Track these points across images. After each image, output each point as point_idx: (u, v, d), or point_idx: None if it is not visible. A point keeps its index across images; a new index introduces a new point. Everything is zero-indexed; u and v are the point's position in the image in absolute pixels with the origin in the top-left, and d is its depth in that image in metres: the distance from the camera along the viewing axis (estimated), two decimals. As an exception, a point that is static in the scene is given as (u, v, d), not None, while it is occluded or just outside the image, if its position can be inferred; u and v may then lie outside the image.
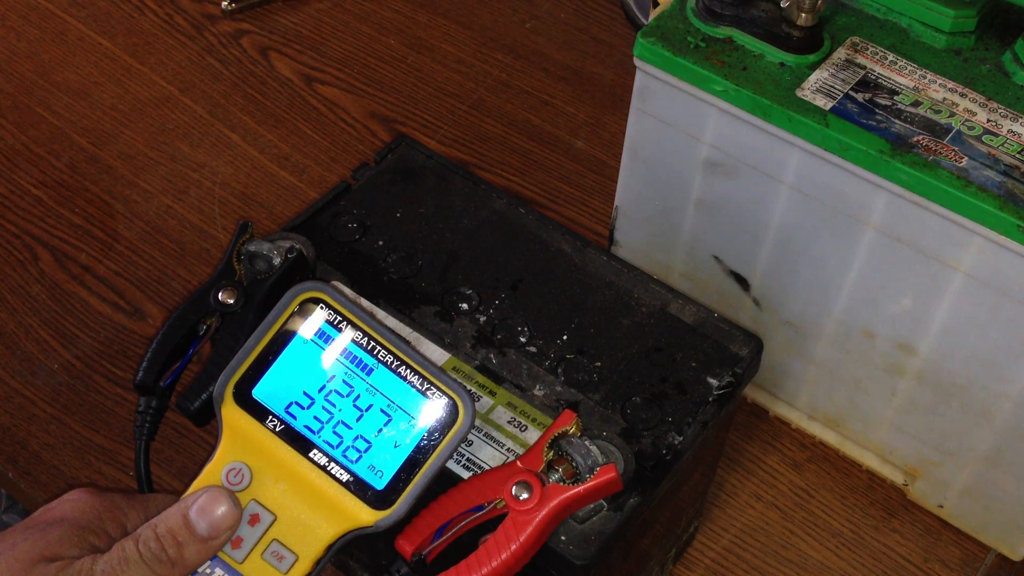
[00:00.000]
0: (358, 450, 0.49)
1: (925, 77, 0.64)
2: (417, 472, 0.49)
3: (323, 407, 0.49)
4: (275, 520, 0.49)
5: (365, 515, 0.48)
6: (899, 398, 0.70)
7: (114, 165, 0.92)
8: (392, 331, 0.50)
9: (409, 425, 0.49)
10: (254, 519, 0.48)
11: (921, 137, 0.61)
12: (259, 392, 0.50)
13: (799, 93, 0.63)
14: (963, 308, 0.63)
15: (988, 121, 0.62)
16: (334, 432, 0.49)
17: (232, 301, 0.55)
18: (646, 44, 0.65)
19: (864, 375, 0.71)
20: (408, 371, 0.49)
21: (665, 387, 0.57)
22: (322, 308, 0.50)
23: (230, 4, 1.03)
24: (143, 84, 0.98)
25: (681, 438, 0.55)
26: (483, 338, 0.58)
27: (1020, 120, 0.62)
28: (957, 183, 0.59)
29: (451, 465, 0.53)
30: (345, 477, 0.49)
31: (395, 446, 0.49)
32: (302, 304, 0.50)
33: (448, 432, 0.49)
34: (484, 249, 0.62)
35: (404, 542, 0.50)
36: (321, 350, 0.50)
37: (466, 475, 0.53)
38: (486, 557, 0.49)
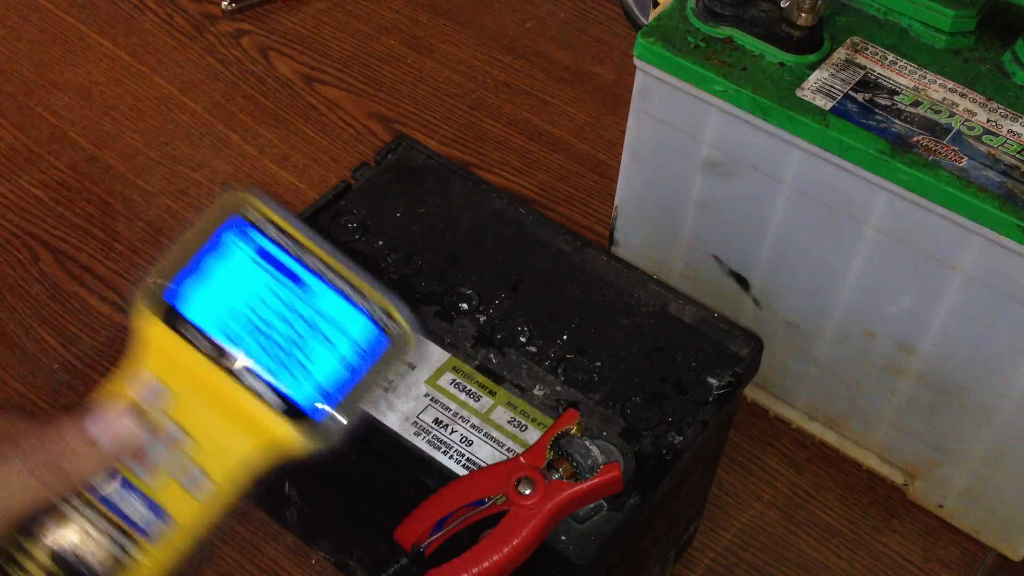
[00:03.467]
0: (289, 371, 0.44)
1: (925, 77, 0.64)
2: (352, 393, 0.44)
3: (247, 319, 0.44)
4: (190, 441, 0.44)
5: (292, 439, 0.43)
6: (899, 398, 0.70)
7: (114, 165, 0.92)
8: (324, 241, 0.45)
9: (347, 345, 0.44)
10: (167, 439, 0.44)
11: (921, 137, 0.61)
12: (182, 305, 0.44)
13: (799, 93, 0.63)
14: (963, 308, 0.63)
15: (988, 121, 0.62)
16: (264, 351, 0.44)
17: (232, 301, 0.55)
18: (646, 44, 0.65)
19: (864, 375, 0.71)
20: (342, 282, 0.44)
21: (665, 387, 0.57)
22: (250, 216, 0.45)
23: (230, 4, 1.03)
24: (143, 84, 0.98)
25: (681, 438, 0.55)
26: (483, 338, 0.58)
27: (1020, 120, 0.62)
28: (957, 183, 0.59)
29: (451, 465, 0.53)
30: (273, 399, 0.43)
31: (331, 369, 0.44)
32: (229, 213, 0.45)
33: (386, 350, 0.44)
34: (484, 249, 0.62)
35: (404, 533, 0.50)
36: (247, 260, 0.45)
37: (465, 474, 0.53)
38: (487, 551, 0.49)
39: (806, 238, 0.67)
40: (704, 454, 0.61)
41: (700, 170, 0.69)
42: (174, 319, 0.44)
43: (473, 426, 0.55)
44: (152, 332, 0.44)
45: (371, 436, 0.55)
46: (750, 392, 0.78)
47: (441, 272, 0.61)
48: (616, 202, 0.75)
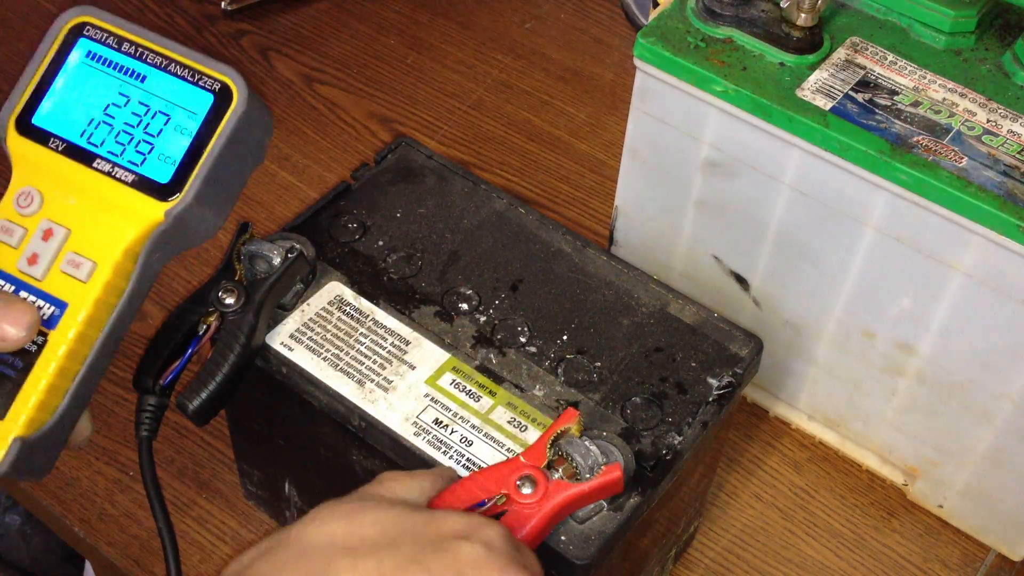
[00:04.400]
0: (141, 152, 0.49)
1: (925, 77, 0.64)
2: (200, 158, 0.49)
3: (103, 121, 0.50)
4: (69, 233, 0.49)
5: (153, 209, 0.49)
6: (899, 398, 0.70)
7: (114, 165, 0.92)
8: (160, 36, 0.50)
9: (188, 118, 0.49)
10: (47, 234, 0.49)
11: (921, 137, 0.61)
12: (39, 119, 0.50)
13: (799, 93, 0.63)
14: (963, 308, 0.63)
15: (988, 121, 0.62)
16: (116, 141, 0.50)
17: (232, 301, 0.55)
18: (646, 44, 0.65)
19: (864, 375, 0.71)
20: (179, 68, 0.50)
21: (665, 387, 0.57)
22: (89, 29, 0.51)
23: (230, 4, 1.03)
24: (143, 84, 0.98)
25: (681, 438, 0.55)
26: (483, 338, 0.58)
27: (1020, 120, 0.62)
28: (957, 183, 0.59)
29: (451, 465, 0.53)
30: (131, 178, 0.49)
31: (177, 141, 0.49)
32: (70, 31, 0.51)
33: (225, 114, 0.49)
34: (484, 249, 0.62)
35: None
36: (94, 69, 0.50)
37: (465, 474, 0.53)
38: None
39: (806, 238, 0.67)
40: (704, 454, 0.61)
41: (700, 170, 0.69)
42: (39, 134, 0.50)
43: (473, 426, 0.55)
44: (14, 147, 0.50)
45: (371, 436, 0.55)
46: (750, 392, 0.78)
47: (441, 272, 0.61)
48: (616, 202, 0.75)
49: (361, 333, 0.58)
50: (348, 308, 0.59)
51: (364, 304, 0.59)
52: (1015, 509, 0.69)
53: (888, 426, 0.72)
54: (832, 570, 0.72)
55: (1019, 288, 0.60)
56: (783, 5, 0.64)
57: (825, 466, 0.76)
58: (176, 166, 0.49)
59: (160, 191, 0.49)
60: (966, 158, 0.60)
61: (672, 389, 0.57)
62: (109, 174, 0.49)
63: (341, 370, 0.57)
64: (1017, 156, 0.60)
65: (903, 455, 0.73)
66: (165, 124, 0.49)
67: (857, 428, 0.74)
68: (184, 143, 0.49)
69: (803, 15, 0.64)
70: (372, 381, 0.56)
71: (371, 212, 0.64)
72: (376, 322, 0.58)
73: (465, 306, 0.60)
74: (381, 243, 0.62)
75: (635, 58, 0.66)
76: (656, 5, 0.69)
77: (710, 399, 0.57)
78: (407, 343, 0.58)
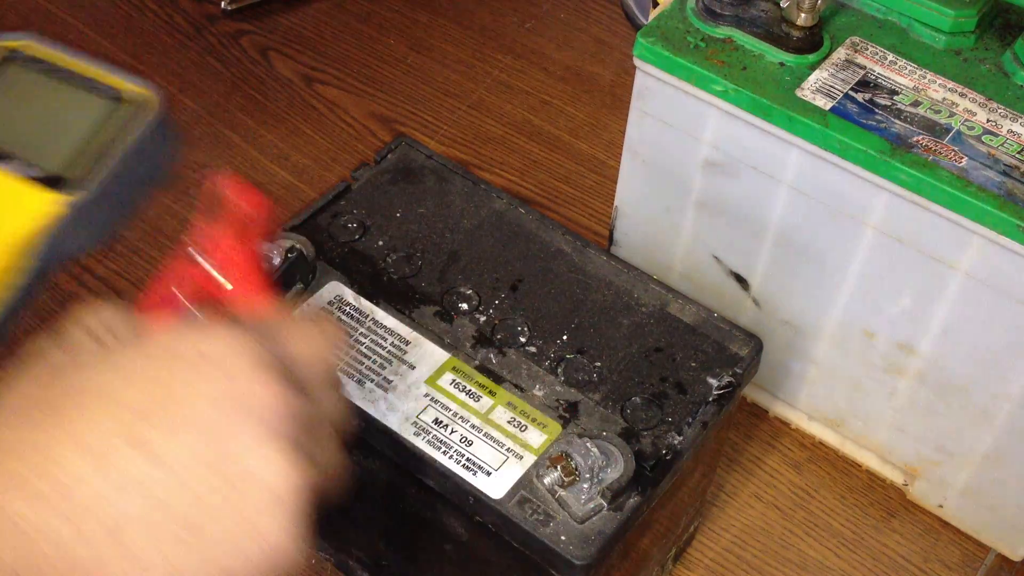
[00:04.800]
0: (46, 155, 0.51)
1: (925, 77, 0.64)
2: (99, 161, 0.51)
3: (16, 134, 0.52)
4: None
5: (50, 201, 0.50)
6: (899, 398, 0.70)
7: (114, 165, 0.92)
8: (95, 61, 0.53)
9: (95, 128, 0.52)
10: None
11: (921, 137, 0.61)
12: None
13: (799, 93, 0.63)
14: (963, 308, 0.63)
15: (988, 121, 0.62)
16: (29, 147, 0.51)
17: (232, 301, 0.55)
18: (646, 44, 0.65)
19: (864, 375, 0.71)
20: (99, 85, 0.53)
21: (665, 387, 0.57)
22: (21, 54, 0.53)
23: (230, 4, 1.03)
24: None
25: (681, 438, 0.55)
26: (483, 338, 0.58)
27: (1020, 120, 0.62)
28: (957, 183, 0.59)
29: (451, 465, 0.53)
30: (33, 174, 0.51)
31: (82, 148, 0.51)
32: (5, 57, 0.53)
33: (130, 125, 0.52)
34: (484, 249, 0.62)
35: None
36: (21, 88, 0.53)
37: (464, 473, 0.53)
38: None
39: (806, 238, 0.67)
40: (704, 454, 0.61)
41: (700, 170, 0.69)
42: None
43: (473, 426, 0.55)
44: None
45: (371, 436, 0.55)
46: (750, 392, 0.78)
47: (441, 272, 0.61)
48: (616, 202, 0.75)
49: (361, 333, 0.58)
50: (348, 308, 0.59)
51: (364, 304, 0.59)
52: (1015, 509, 0.69)
53: (888, 426, 0.72)
54: (832, 570, 0.72)
55: (1019, 288, 0.60)
56: (783, 5, 0.64)
57: (825, 466, 0.76)
58: (76, 167, 0.51)
59: (53, 186, 0.51)
60: (966, 158, 0.60)
61: (672, 389, 0.57)
62: (13, 173, 0.51)
63: (341, 370, 0.57)
64: (1017, 156, 0.60)
65: (903, 455, 0.73)
66: (73, 133, 0.52)
67: (857, 428, 0.74)
68: (89, 150, 0.52)
69: (803, 15, 0.64)
70: (372, 381, 0.56)
71: (371, 212, 0.64)
72: (376, 322, 0.58)
73: (465, 306, 0.60)
74: (381, 243, 0.62)
75: (635, 58, 0.66)
76: (656, 5, 0.69)
77: (710, 399, 0.57)
78: (407, 343, 0.58)
